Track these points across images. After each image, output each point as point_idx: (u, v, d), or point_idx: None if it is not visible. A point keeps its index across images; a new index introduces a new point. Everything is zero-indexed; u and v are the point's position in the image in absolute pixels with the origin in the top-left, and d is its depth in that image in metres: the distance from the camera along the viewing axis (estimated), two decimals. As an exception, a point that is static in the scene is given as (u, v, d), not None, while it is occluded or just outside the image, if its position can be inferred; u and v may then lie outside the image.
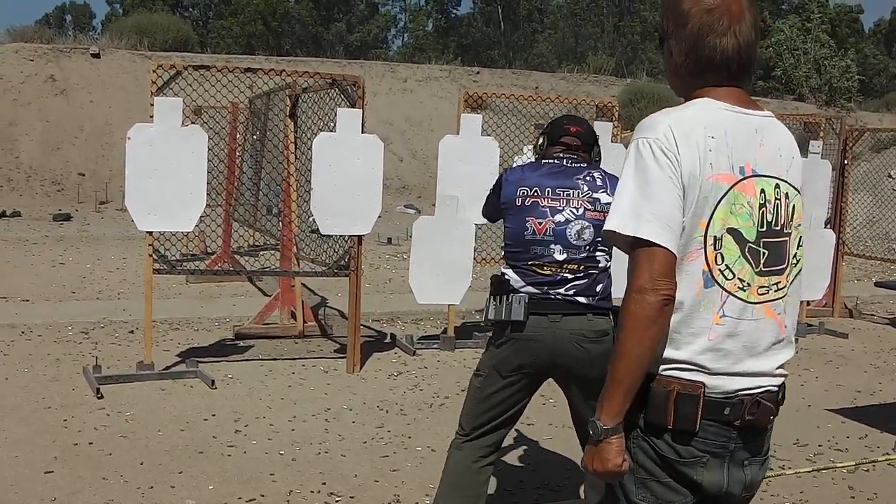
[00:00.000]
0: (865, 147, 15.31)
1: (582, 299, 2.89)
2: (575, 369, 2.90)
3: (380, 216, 5.86)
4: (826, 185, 7.76)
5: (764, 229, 1.73)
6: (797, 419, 5.10)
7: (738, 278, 1.71)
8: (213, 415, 4.79)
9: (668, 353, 1.70)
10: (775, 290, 1.76)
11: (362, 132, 5.72)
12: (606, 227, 1.71)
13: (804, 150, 7.65)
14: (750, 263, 1.72)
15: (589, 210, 2.93)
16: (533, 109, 7.67)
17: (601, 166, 3.14)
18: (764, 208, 1.73)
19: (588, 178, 2.98)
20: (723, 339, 1.71)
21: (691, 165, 1.66)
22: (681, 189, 1.66)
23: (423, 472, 4.06)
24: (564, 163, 3.02)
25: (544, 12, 52.95)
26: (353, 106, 5.77)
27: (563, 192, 2.94)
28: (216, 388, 5.26)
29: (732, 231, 1.70)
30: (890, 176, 14.63)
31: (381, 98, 19.64)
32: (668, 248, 1.64)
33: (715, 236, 1.69)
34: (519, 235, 2.96)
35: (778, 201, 1.76)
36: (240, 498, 3.71)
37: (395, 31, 57.90)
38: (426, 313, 7.65)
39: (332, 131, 5.71)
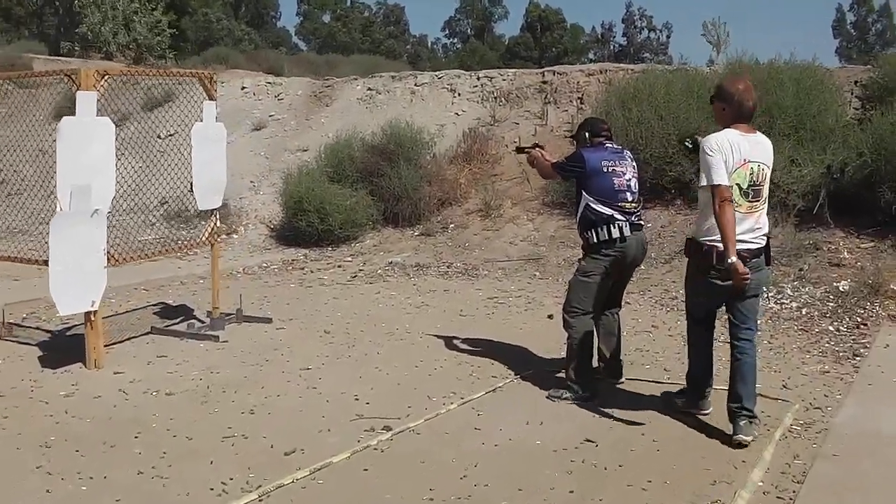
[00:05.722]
0: (137, 106, 13.52)
1: (641, 222, 5.19)
2: (638, 261, 5.27)
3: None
4: None
5: (751, 183, 4.33)
6: None
7: (737, 202, 4.27)
8: None
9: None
10: (755, 208, 4.36)
11: None
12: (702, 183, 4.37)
13: None
14: (744, 196, 4.31)
15: (634, 173, 5.18)
16: None
17: None
18: (753, 174, 4.32)
19: (627, 154, 5.24)
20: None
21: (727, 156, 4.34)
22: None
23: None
24: (612, 146, 5.25)
25: None
26: None
27: (622, 162, 5.13)
28: None
29: (737, 185, 4.32)
30: (159, 136, 13.06)
31: None
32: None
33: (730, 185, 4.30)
34: (609, 189, 5.00)
35: (759, 171, 4.35)
36: None
37: None
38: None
39: None
